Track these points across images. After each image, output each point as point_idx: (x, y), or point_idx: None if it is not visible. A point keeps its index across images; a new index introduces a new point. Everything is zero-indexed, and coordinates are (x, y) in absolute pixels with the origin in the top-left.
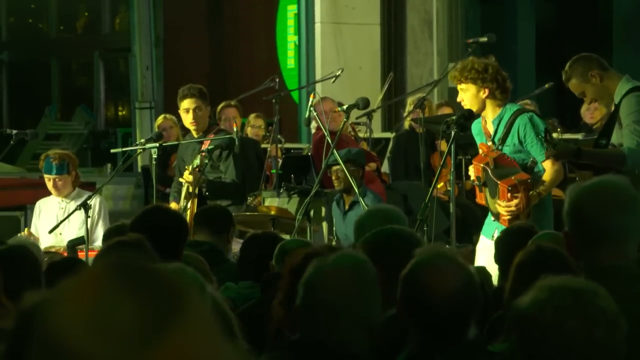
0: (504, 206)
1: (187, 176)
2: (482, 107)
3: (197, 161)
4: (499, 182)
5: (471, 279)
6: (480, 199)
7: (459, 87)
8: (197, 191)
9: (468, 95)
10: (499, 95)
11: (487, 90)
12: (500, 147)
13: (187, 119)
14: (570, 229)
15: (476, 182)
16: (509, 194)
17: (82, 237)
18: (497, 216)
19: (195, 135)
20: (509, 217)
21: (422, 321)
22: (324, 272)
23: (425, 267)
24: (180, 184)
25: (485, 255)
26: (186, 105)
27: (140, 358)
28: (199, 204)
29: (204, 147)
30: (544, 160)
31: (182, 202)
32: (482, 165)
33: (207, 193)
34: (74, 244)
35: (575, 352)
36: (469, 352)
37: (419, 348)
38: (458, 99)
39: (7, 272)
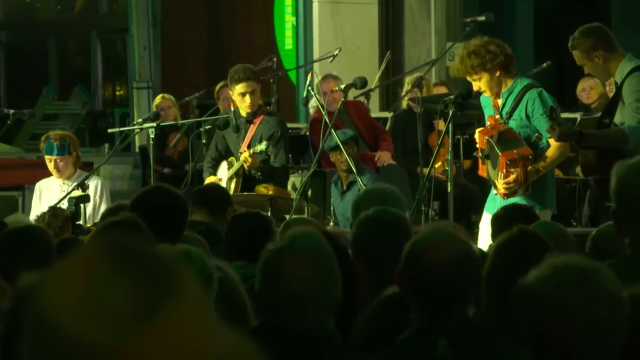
0: (503, 182)
1: (247, 157)
2: (501, 86)
3: (262, 146)
4: (499, 154)
5: (469, 252)
6: (482, 171)
7: (469, 78)
8: (241, 172)
9: (484, 83)
10: (508, 68)
11: (498, 69)
12: (507, 121)
13: (245, 103)
14: (617, 207)
15: (479, 154)
16: (505, 168)
17: (87, 194)
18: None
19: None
20: (506, 192)
21: (420, 292)
22: (285, 258)
23: (423, 240)
24: (216, 160)
25: (488, 232)
26: (242, 89)
27: (133, 339)
28: (243, 186)
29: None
30: (550, 137)
31: (226, 182)
32: (486, 137)
33: (260, 176)
34: (77, 201)
35: (576, 329)
36: (470, 331)
37: (420, 326)
38: (475, 89)
39: (20, 252)
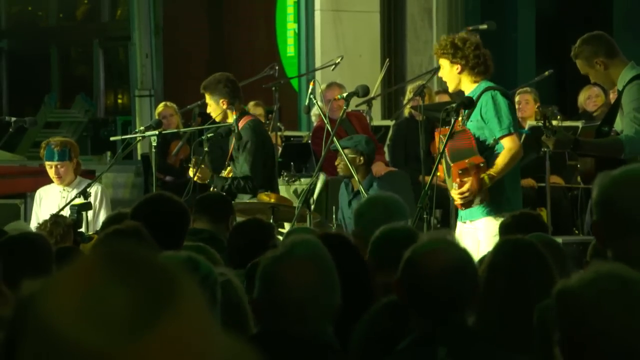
0: (457, 193)
1: (192, 173)
2: (458, 83)
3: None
4: (451, 165)
5: (466, 260)
6: (441, 172)
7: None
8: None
9: (444, 72)
10: (470, 72)
11: (459, 67)
12: (465, 122)
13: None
14: (600, 219)
15: (437, 154)
16: (458, 178)
17: (89, 202)
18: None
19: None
20: (461, 202)
21: (418, 300)
22: (284, 265)
23: (421, 248)
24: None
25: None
26: None
27: (132, 346)
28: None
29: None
30: (502, 137)
31: None
32: (440, 135)
33: (221, 190)
34: (79, 209)
35: (611, 337)
36: (469, 339)
37: (419, 335)
38: (439, 74)
39: (18, 259)
